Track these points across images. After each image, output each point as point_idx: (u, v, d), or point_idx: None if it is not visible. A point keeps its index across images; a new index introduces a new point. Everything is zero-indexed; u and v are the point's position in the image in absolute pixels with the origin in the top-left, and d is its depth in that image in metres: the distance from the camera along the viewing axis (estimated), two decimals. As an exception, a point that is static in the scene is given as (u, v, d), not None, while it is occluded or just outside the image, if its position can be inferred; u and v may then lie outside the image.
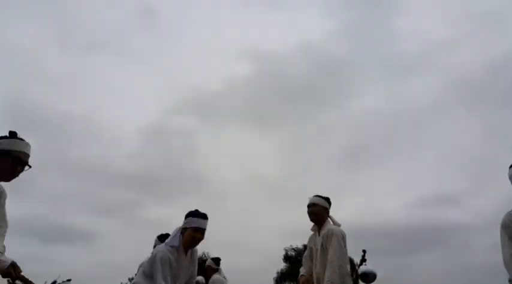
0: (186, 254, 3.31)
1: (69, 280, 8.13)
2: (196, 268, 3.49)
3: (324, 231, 3.73)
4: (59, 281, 8.31)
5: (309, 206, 3.88)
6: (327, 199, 3.90)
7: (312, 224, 3.95)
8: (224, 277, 5.62)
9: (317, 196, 3.91)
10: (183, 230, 3.29)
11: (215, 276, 5.50)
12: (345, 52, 44.71)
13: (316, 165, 43.56)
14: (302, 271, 3.96)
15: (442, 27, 46.97)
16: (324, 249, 3.67)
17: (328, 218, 3.85)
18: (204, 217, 3.30)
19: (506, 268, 2.80)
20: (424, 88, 42.87)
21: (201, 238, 3.27)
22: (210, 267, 5.62)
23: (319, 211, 3.82)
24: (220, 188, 43.73)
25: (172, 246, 3.23)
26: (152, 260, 3.22)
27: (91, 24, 46.62)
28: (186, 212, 3.36)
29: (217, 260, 5.70)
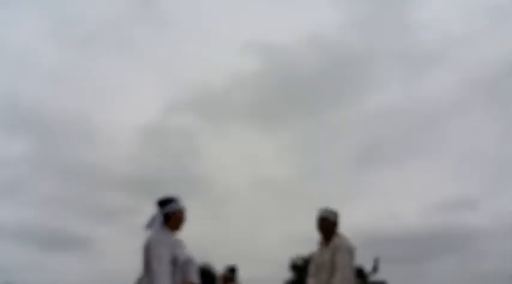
0: (176, 238, 3.44)
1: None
2: (191, 255, 3.51)
3: (333, 245, 3.79)
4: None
5: (320, 220, 3.90)
6: (337, 213, 3.96)
7: (318, 236, 3.98)
8: None
9: (328, 210, 3.95)
10: (165, 217, 3.40)
11: None
12: (357, 45, 43.42)
13: (327, 167, 42.89)
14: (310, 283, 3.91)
15: (461, 20, 46.06)
16: (333, 263, 3.70)
17: (337, 232, 3.91)
18: (177, 198, 3.52)
19: None
20: (442, 84, 42.04)
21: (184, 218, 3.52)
22: (225, 277, 5.65)
23: (330, 226, 3.88)
24: (224, 191, 43.23)
25: (158, 233, 3.33)
26: (145, 251, 3.25)
27: (87, 19, 46.51)
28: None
29: (233, 270, 5.74)
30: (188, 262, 3.41)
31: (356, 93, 44.13)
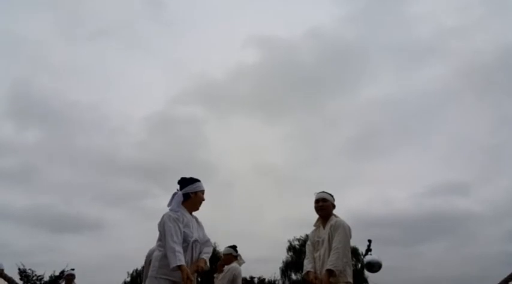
0: (191, 217, 3.59)
1: (72, 270, 8.29)
2: (207, 236, 3.72)
3: (331, 223, 3.91)
4: (66, 270, 8.48)
5: (319, 201, 4.05)
6: (333, 196, 4.12)
7: (315, 218, 4.11)
8: (243, 262, 5.85)
9: (325, 192, 4.10)
10: (187, 195, 3.61)
11: (234, 264, 5.69)
12: (354, 38, 43.65)
13: (323, 154, 43.39)
14: (308, 266, 3.99)
15: (454, 11, 45.83)
16: (331, 239, 3.81)
17: (333, 214, 4.05)
18: (200, 180, 3.73)
19: None
20: (435, 75, 42.22)
21: (204, 199, 3.71)
22: (230, 255, 5.80)
23: (329, 207, 4.02)
24: (227, 177, 43.68)
25: (175, 211, 3.51)
26: (160, 226, 3.45)
27: (98, 13, 46.33)
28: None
29: (235, 248, 5.88)
30: (204, 242, 3.64)
31: (352, 84, 44.38)
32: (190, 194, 3.62)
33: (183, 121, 43.95)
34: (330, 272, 3.65)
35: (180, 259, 3.24)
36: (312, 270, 3.91)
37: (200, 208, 3.71)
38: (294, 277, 31.15)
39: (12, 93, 41.89)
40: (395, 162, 41.76)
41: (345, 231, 3.83)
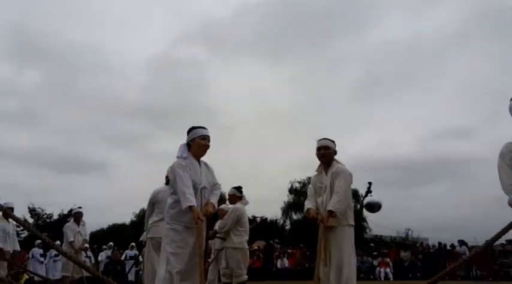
0: (199, 164, 3.74)
1: (80, 208, 8.53)
2: (216, 180, 3.88)
3: (333, 169, 3.96)
4: (74, 208, 8.74)
5: (320, 148, 4.05)
6: (335, 142, 4.12)
7: (317, 163, 4.13)
8: (247, 203, 5.88)
9: (327, 139, 4.10)
10: (188, 144, 3.76)
11: (238, 204, 5.74)
12: None
13: (327, 99, 43.10)
14: (308, 204, 4.05)
15: None
16: (333, 185, 3.88)
17: (335, 159, 4.08)
18: (204, 127, 3.80)
19: (505, 192, 3.09)
20: (442, 19, 40.89)
21: (208, 145, 3.76)
22: (234, 195, 5.86)
23: (330, 154, 4.04)
24: (230, 121, 43.78)
25: (182, 157, 3.68)
26: (170, 174, 3.67)
27: None
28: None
29: (239, 189, 5.91)
30: (213, 186, 3.81)
31: (359, 26, 42.76)
32: (189, 143, 3.76)
33: (184, 64, 43.22)
34: (331, 213, 3.72)
35: (191, 200, 3.41)
36: (313, 208, 3.97)
37: (207, 152, 3.80)
38: (294, 216, 32.17)
39: (11, 33, 40.91)
40: (400, 106, 41.52)
41: (346, 177, 3.89)
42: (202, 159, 3.82)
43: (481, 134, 39.59)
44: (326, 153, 4.02)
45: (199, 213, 3.39)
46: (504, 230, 2.77)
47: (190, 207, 3.38)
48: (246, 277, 5.55)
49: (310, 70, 43.97)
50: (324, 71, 44.48)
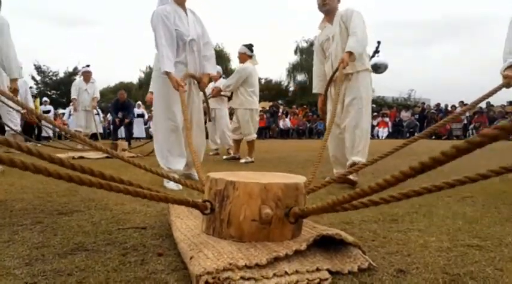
0: (185, 12, 3.27)
1: (88, 66, 8.53)
2: (207, 31, 3.43)
3: (339, 16, 3.46)
4: (79, 67, 8.73)
5: None
6: None
7: (319, 22, 3.68)
8: (257, 63, 5.73)
9: None
10: None
11: (248, 63, 5.60)
12: None
13: None
14: (316, 85, 3.71)
15: None
16: (343, 30, 3.42)
17: (338, 6, 3.56)
18: None
19: (503, 58, 2.89)
20: None
21: None
22: (244, 54, 5.66)
23: (333, 1, 3.51)
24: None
25: (162, 6, 3.19)
26: (152, 25, 3.15)
27: None
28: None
29: (250, 47, 5.69)
30: (204, 44, 3.37)
31: None
32: None
33: None
34: (350, 54, 3.24)
35: (168, 65, 3.06)
36: (321, 92, 3.62)
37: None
38: (298, 77, 32.29)
39: None
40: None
41: (360, 16, 3.36)
42: (188, 5, 3.31)
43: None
44: (329, 1, 3.47)
45: (177, 80, 3.04)
46: (493, 92, 2.69)
47: (168, 74, 3.07)
48: (255, 135, 5.70)
49: None
50: None
